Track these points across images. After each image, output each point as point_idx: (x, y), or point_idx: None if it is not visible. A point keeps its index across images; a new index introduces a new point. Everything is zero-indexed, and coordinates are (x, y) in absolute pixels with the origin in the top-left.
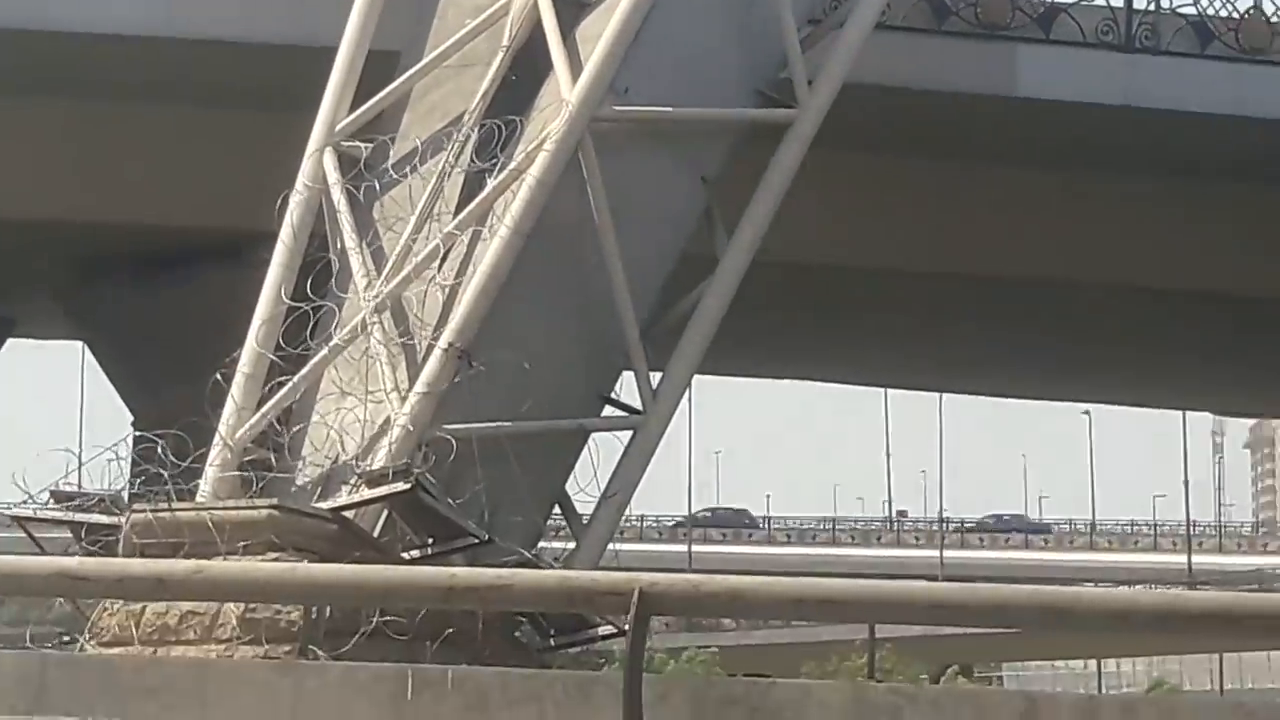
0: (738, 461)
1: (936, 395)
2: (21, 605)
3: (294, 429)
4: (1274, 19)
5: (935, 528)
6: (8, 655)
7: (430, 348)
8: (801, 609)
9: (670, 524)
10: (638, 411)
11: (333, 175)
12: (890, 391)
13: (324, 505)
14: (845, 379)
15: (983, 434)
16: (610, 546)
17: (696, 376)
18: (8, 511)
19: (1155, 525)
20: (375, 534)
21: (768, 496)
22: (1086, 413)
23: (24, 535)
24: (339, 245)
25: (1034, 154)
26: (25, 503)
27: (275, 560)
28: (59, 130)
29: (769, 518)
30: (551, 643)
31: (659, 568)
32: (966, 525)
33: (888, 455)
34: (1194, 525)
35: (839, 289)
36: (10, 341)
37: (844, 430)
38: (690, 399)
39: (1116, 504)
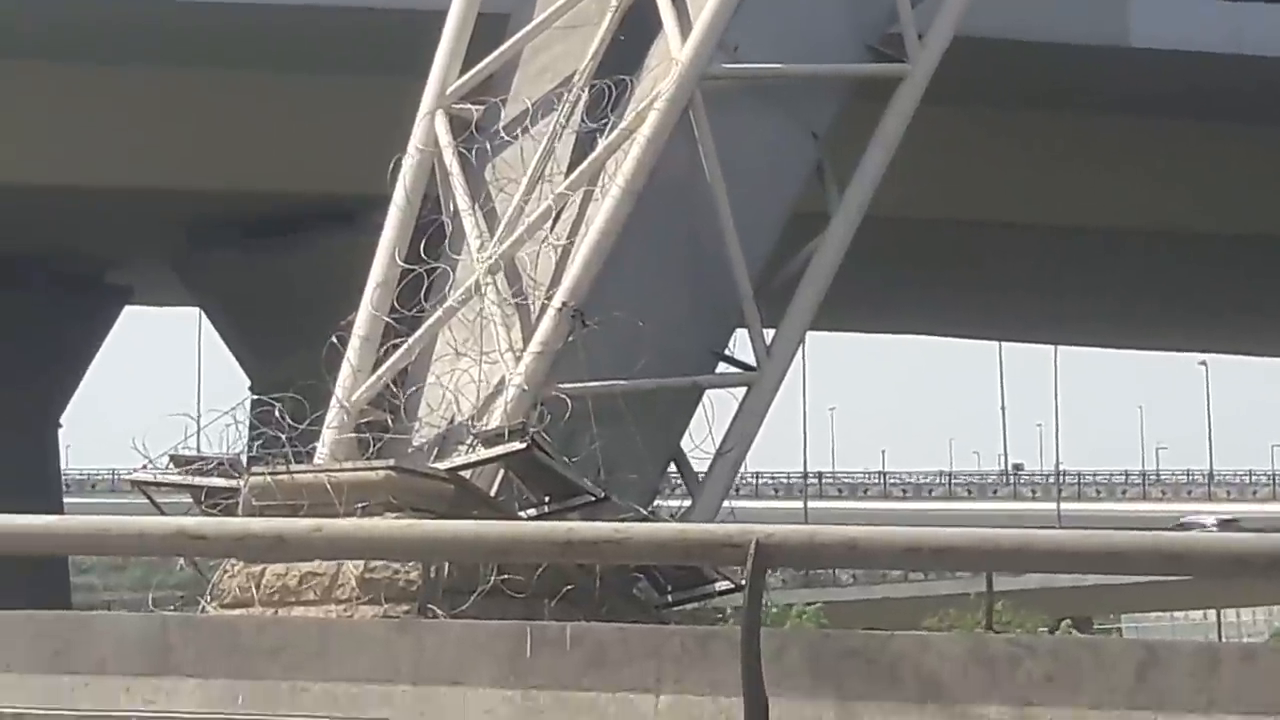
0: (852, 417)
1: (1051, 348)
2: (144, 570)
3: (410, 390)
4: None
5: (1052, 481)
6: (132, 618)
7: (544, 307)
8: (917, 558)
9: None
10: (752, 368)
11: (445, 138)
12: (1005, 345)
13: (440, 466)
14: (959, 333)
15: (1099, 386)
16: (726, 503)
17: (810, 333)
18: (129, 476)
19: (1275, 475)
20: (492, 494)
21: (883, 452)
22: (1203, 363)
23: (145, 499)
24: (452, 208)
25: (1149, 104)
26: (145, 467)
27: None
28: (169, 98)
29: (884, 473)
30: (669, 599)
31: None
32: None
33: (1003, 409)
34: None
35: (952, 243)
36: (129, 309)
37: (959, 384)
38: (804, 355)
39: (1235, 454)
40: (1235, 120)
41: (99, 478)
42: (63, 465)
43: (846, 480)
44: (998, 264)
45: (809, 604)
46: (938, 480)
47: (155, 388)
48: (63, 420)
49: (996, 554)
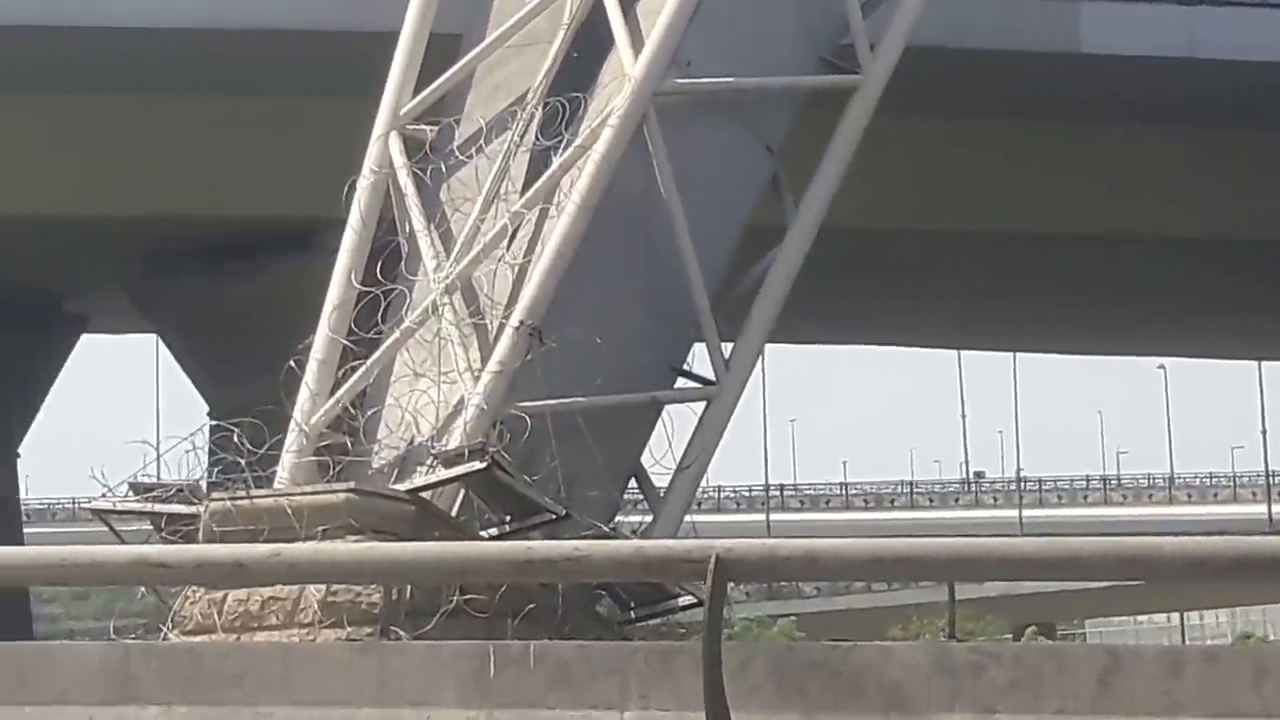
0: (813, 429)
1: (1010, 355)
2: (106, 598)
3: (369, 412)
4: None
5: (1013, 488)
6: (94, 646)
7: (501, 326)
8: (878, 568)
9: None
10: (711, 382)
11: (399, 159)
12: (964, 353)
13: (401, 487)
14: (918, 342)
15: (1058, 392)
16: (687, 517)
17: (769, 345)
18: (89, 505)
19: (1234, 477)
20: (453, 514)
21: (844, 463)
22: (1161, 367)
23: (105, 528)
24: (407, 228)
25: (1104, 109)
26: (105, 495)
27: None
28: (122, 126)
29: (846, 484)
30: (632, 615)
31: (738, 537)
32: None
33: (963, 416)
34: (1273, 475)
35: (909, 252)
36: (86, 336)
37: (919, 393)
38: (763, 368)
39: (1195, 457)
40: (1191, 124)
41: (59, 507)
42: (22, 495)
43: (809, 492)
44: (955, 272)
45: (772, 616)
46: (899, 490)
47: (114, 415)
48: (21, 450)
49: (957, 563)
